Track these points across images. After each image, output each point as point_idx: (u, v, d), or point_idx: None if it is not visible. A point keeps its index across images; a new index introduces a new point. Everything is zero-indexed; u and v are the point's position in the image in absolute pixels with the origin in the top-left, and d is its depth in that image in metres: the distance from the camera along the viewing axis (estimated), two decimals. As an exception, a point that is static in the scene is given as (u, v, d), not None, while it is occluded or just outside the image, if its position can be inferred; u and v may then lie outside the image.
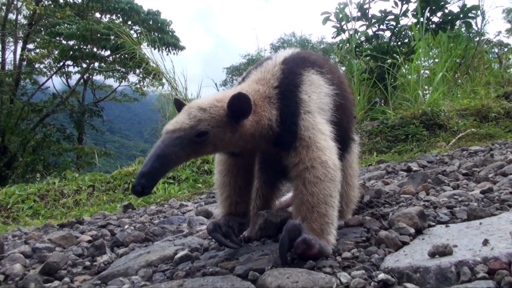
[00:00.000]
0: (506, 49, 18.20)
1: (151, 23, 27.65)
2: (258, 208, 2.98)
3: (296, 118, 2.45)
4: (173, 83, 10.73)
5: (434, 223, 2.53)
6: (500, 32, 21.33)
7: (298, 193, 2.35)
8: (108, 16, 30.50)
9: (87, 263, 2.91)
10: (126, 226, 4.23)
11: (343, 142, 2.72)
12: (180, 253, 2.64)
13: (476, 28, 12.81)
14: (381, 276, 1.82)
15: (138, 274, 2.45)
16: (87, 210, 6.88)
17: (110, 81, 31.53)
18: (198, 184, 7.53)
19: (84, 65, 29.80)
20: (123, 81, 31.47)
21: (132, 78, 31.06)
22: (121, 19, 30.23)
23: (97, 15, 30.73)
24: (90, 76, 31.34)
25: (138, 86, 30.82)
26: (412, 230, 2.33)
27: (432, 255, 1.88)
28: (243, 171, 2.82)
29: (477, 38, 13.64)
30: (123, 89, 32.25)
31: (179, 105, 2.56)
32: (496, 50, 18.09)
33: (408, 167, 5.13)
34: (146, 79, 29.39)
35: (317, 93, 2.57)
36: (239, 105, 2.35)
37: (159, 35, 26.91)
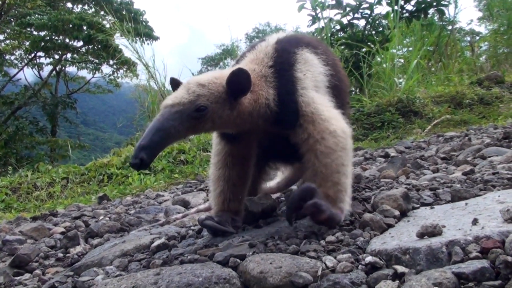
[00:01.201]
0: (477, 37, 18.42)
1: (124, 13, 27.22)
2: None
3: (294, 96, 2.44)
4: (152, 73, 10.56)
5: (418, 205, 2.49)
6: (472, 20, 21.60)
7: (311, 165, 2.35)
8: (80, 6, 29.95)
9: (60, 254, 2.82)
10: (101, 217, 4.12)
11: None
12: (157, 242, 2.57)
13: (449, 16, 12.90)
14: (369, 259, 1.77)
15: (112, 264, 2.38)
16: (61, 203, 6.74)
17: (83, 73, 31.09)
18: (175, 174, 7.43)
19: (56, 56, 29.34)
20: (96, 72, 31.01)
21: (106, 69, 30.62)
22: (93, 9, 29.74)
23: (69, 5, 30.19)
24: (63, 68, 30.86)
25: (112, 77, 30.42)
26: (397, 212, 2.28)
27: (421, 235, 1.83)
28: (239, 164, 2.77)
29: (450, 27, 13.75)
30: (96, 80, 31.81)
31: (175, 84, 2.54)
32: (468, 39, 18.30)
33: (386, 153, 5.12)
34: (120, 70, 29.06)
35: (311, 71, 2.54)
36: (239, 81, 2.34)
37: (133, 25, 26.56)
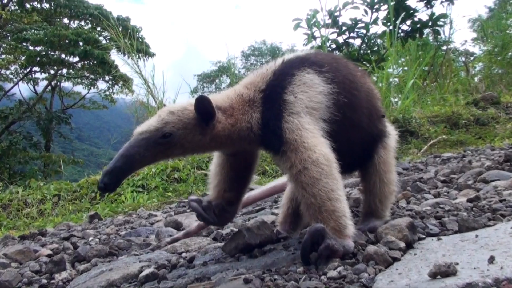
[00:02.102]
0: (472, 58, 18.51)
1: (120, 29, 27.21)
2: (293, 209, 2.95)
3: (279, 121, 2.38)
4: (151, 88, 10.50)
5: (423, 236, 2.36)
6: (466, 41, 21.74)
7: (301, 197, 2.29)
8: (76, 22, 30.02)
9: (44, 281, 2.67)
10: (91, 238, 3.98)
11: (365, 140, 2.72)
12: (146, 271, 2.42)
13: (444, 36, 12.94)
14: None
15: (97, 295, 2.24)
16: (52, 221, 6.60)
17: (79, 88, 31.11)
18: (168, 192, 7.31)
19: (52, 72, 29.31)
20: (92, 88, 30.98)
21: (101, 85, 30.62)
22: (90, 25, 29.80)
23: (65, 20, 30.24)
24: (58, 83, 30.84)
25: (107, 93, 30.40)
26: (403, 244, 2.15)
27: (433, 275, 1.67)
28: (238, 167, 2.77)
29: (445, 47, 13.78)
30: (92, 96, 31.79)
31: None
32: (463, 59, 18.39)
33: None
34: (116, 86, 29.05)
35: (307, 92, 2.45)
36: (203, 108, 2.38)
37: (130, 42, 26.60)
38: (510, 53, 13.65)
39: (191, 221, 4.21)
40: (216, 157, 2.84)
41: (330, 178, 2.24)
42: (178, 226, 3.96)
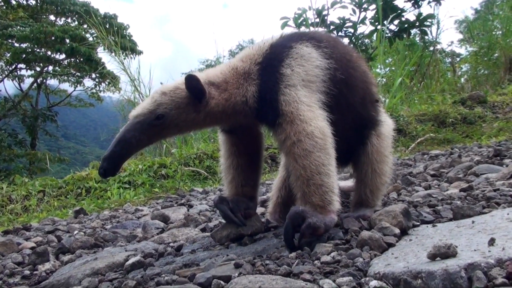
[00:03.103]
0: (458, 59, 18.61)
1: (107, 26, 27.06)
2: (282, 198, 2.95)
3: (275, 93, 2.37)
4: (137, 86, 10.40)
5: (418, 223, 2.32)
6: (452, 42, 21.89)
7: (292, 168, 2.31)
8: (63, 19, 29.74)
9: (27, 272, 2.60)
10: (76, 232, 3.89)
11: (360, 123, 2.71)
12: (132, 260, 2.37)
13: (431, 37, 13.00)
14: (374, 283, 1.58)
15: (81, 284, 2.18)
16: (36, 216, 6.48)
17: (65, 86, 30.80)
18: (155, 188, 7.23)
19: (38, 69, 28.98)
20: (78, 85, 30.70)
21: (88, 82, 30.36)
22: (76, 22, 29.54)
23: (52, 17, 29.95)
24: (44, 80, 30.50)
25: (94, 91, 30.15)
26: (397, 230, 2.11)
27: (433, 257, 1.62)
28: (245, 152, 2.77)
29: (432, 47, 13.84)
30: (78, 93, 31.50)
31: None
32: (449, 60, 18.48)
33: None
34: (103, 84, 28.83)
35: (304, 66, 2.43)
36: (192, 86, 2.40)
37: (116, 39, 26.44)
38: (496, 54, 13.74)
39: (178, 215, 4.15)
40: (222, 147, 2.84)
41: (323, 152, 2.23)
42: (165, 219, 3.89)
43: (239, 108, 2.45)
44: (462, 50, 20.52)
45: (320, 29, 11.41)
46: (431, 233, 2.11)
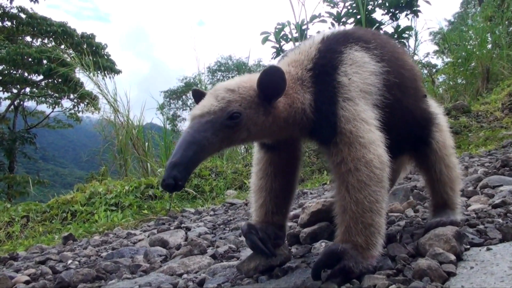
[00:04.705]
0: (434, 70, 18.84)
1: (85, 46, 26.85)
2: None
3: (334, 106, 2.13)
4: (115, 106, 10.23)
5: (468, 246, 2.15)
6: (428, 53, 22.19)
7: (341, 198, 2.07)
8: (39, 39, 29.47)
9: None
10: (70, 261, 3.69)
11: (416, 125, 2.51)
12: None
13: (409, 49, 13.11)
14: None
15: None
16: (22, 244, 6.24)
17: (43, 107, 30.44)
18: (144, 210, 7.05)
19: (15, 91, 28.57)
20: (56, 106, 30.35)
21: (66, 103, 30.04)
22: (53, 43, 29.29)
23: (28, 38, 29.65)
24: (21, 102, 30.06)
25: (72, 111, 29.85)
26: (453, 257, 1.92)
27: None
28: (281, 174, 2.50)
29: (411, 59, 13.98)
30: (56, 115, 31.15)
31: (199, 95, 2.30)
32: (425, 71, 18.70)
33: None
34: (81, 104, 28.57)
35: (360, 73, 2.21)
36: (272, 81, 2.10)
37: (94, 59, 26.25)
38: (472, 64, 13.91)
39: (176, 238, 4.00)
40: (257, 166, 2.57)
41: (379, 186, 2.03)
42: (164, 244, 3.71)
43: (299, 117, 2.19)
44: (438, 62, 20.82)
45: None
46: (491, 258, 1.94)
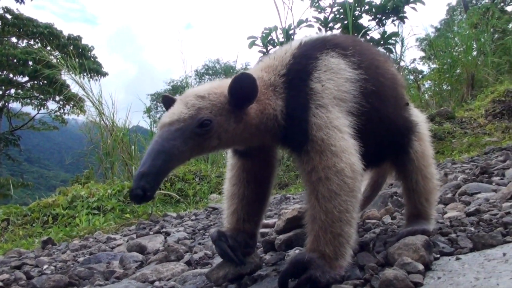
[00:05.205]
0: (420, 76, 18.98)
1: (71, 48, 26.69)
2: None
3: (305, 113, 2.08)
4: (100, 108, 10.16)
5: (438, 255, 2.13)
6: (415, 59, 22.34)
7: (311, 207, 2.02)
8: (25, 41, 29.25)
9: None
10: (45, 266, 3.62)
11: (396, 133, 2.47)
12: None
13: (396, 55, 13.19)
14: None
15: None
16: (0, 247, 6.16)
17: (28, 109, 30.18)
18: (126, 214, 6.98)
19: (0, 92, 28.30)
20: (41, 108, 30.10)
21: (52, 105, 29.81)
22: (39, 44, 29.07)
23: (14, 39, 29.40)
24: (6, 104, 29.77)
25: (58, 113, 29.63)
26: (421, 266, 1.89)
27: None
28: (255, 181, 2.47)
29: (397, 65, 14.06)
30: (41, 117, 30.89)
31: (168, 102, 2.24)
32: (412, 77, 18.83)
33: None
34: (67, 106, 28.39)
35: (334, 80, 2.16)
36: (243, 88, 2.06)
37: (80, 61, 26.09)
38: (458, 71, 14.02)
39: (155, 243, 3.95)
40: (230, 172, 2.53)
41: (350, 195, 1.98)
42: (142, 249, 3.66)
43: (270, 124, 2.15)
44: (425, 67, 20.98)
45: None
46: (459, 268, 1.93)
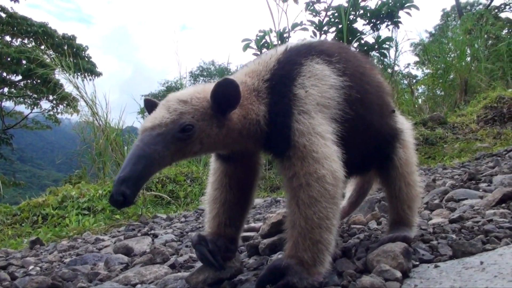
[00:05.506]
0: (414, 81, 19.05)
1: (66, 47, 26.57)
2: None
3: (288, 119, 2.08)
4: (94, 108, 10.13)
5: (416, 262, 2.12)
6: (409, 64, 22.42)
7: (291, 212, 2.02)
8: (19, 40, 29.10)
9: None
10: (31, 267, 3.60)
11: (381, 140, 2.48)
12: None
13: (390, 59, 13.23)
14: None
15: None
16: (-12, 247, 6.11)
17: (21, 108, 30.02)
18: (116, 215, 6.94)
19: (-8, 90, 28.18)
20: (35, 107, 29.95)
21: (45, 104, 29.67)
22: (33, 43, 28.95)
23: (8, 38, 29.24)
24: (-1, 102, 29.63)
25: (51, 113, 29.48)
26: (399, 274, 1.89)
27: None
28: (237, 186, 2.46)
29: (391, 69, 14.11)
30: (35, 116, 30.73)
31: (150, 105, 2.25)
32: (406, 82, 18.90)
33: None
34: (60, 106, 28.28)
35: (318, 86, 2.16)
36: (226, 93, 2.06)
37: (74, 60, 26.01)
38: (451, 76, 14.08)
39: (142, 245, 3.93)
40: (213, 176, 2.53)
41: (331, 202, 1.98)
42: (128, 251, 3.64)
43: (253, 129, 2.15)
44: (419, 72, 21.06)
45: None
46: (436, 276, 1.92)
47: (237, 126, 2.14)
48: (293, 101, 2.11)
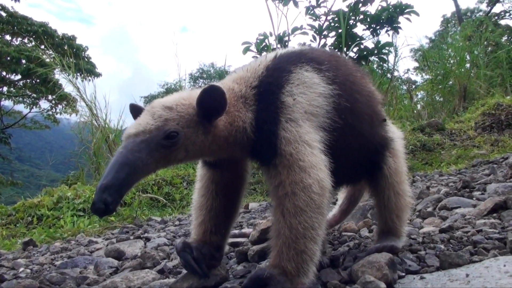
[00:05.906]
0: (414, 86, 19.07)
1: (66, 48, 26.58)
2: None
3: (275, 126, 2.05)
4: (93, 109, 10.11)
5: (403, 273, 2.10)
6: (408, 69, 22.45)
7: (276, 221, 1.99)
8: (19, 39, 29.10)
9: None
10: (21, 269, 3.57)
11: (371, 150, 2.46)
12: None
13: (389, 64, 13.22)
14: None
15: None
16: (-18, 248, 6.08)
17: (20, 107, 29.99)
18: (111, 217, 6.91)
19: (-9, 89, 28.16)
20: (34, 107, 29.94)
21: (44, 104, 29.64)
22: (33, 43, 28.95)
23: (7, 37, 29.25)
24: (-2, 101, 29.62)
25: (50, 113, 29.46)
26: (383, 285, 1.86)
27: None
28: (223, 192, 2.43)
29: (390, 75, 14.11)
30: (33, 115, 30.72)
31: (136, 110, 2.21)
32: (405, 87, 18.92)
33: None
34: (59, 106, 28.26)
35: (307, 94, 2.13)
36: (211, 100, 2.03)
37: (74, 61, 26.01)
38: (450, 82, 14.08)
39: (134, 249, 3.91)
40: (199, 182, 2.50)
41: (316, 212, 1.95)
42: (120, 255, 3.61)
43: (240, 137, 2.13)
44: (418, 78, 21.09)
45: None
46: None
47: (223, 133, 2.12)
48: (281, 108, 2.09)
